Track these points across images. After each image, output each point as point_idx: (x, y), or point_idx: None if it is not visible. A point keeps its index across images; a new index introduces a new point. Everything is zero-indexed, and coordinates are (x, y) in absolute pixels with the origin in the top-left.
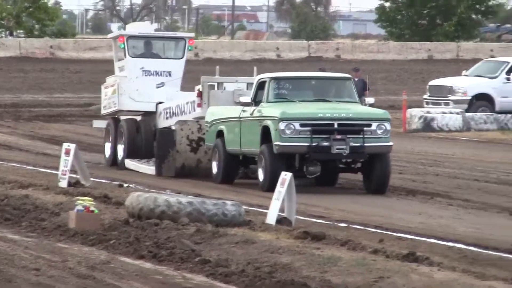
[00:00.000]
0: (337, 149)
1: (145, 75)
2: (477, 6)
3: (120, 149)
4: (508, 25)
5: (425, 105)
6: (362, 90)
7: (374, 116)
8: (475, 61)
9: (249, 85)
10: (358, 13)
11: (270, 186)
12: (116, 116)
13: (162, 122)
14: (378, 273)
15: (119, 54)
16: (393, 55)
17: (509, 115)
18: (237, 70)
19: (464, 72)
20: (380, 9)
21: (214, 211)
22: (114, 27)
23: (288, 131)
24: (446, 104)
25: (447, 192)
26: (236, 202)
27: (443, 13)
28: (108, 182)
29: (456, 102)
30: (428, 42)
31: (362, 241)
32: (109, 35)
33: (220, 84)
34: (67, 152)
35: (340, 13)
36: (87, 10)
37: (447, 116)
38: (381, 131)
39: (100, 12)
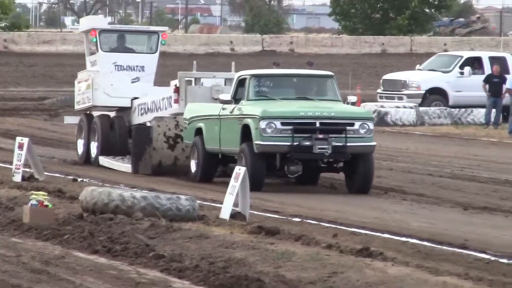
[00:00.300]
0: (319, 148)
1: (118, 70)
2: (430, 0)
3: (94, 146)
4: (461, 19)
5: (379, 100)
6: None
7: (356, 115)
8: (428, 55)
9: (227, 80)
10: (312, 6)
11: (251, 186)
12: (89, 112)
13: (137, 119)
14: (332, 268)
15: (91, 48)
16: (346, 49)
17: (463, 109)
18: (191, 64)
19: (417, 66)
20: (335, 3)
21: (168, 206)
22: (68, 20)
23: (269, 130)
24: (400, 98)
25: (401, 186)
26: (190, 197)
27: (396, 7)
28: (62, 176)
29: (409, 96)
30: (381, 36)
31: (316, 236)
32: (80, 29)
33: (197, 80)
34: (21, 146)
35: (294, 7)
36: (40, 4)
37: (401, 111)
38: (364, 130)
39: (53, 5)
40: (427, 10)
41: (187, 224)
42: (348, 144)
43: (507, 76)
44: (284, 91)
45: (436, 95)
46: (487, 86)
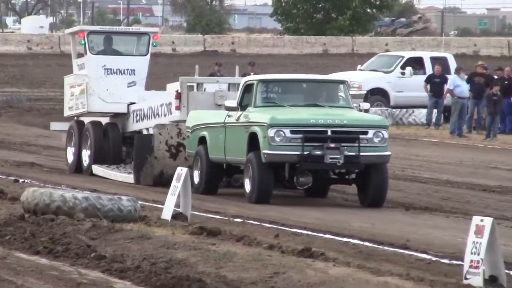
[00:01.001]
0: (331, 158)
1: (108, 74)
2: (372, 0)
3: (86, 154)
4: (403, 19)
5: None
6: None
7: (370, 123)
8: (370, 55)
9: (230, 86)
10: (253, 7)
11: (258, 197)
12: (77, 119)
13: (132, 125)
14: (273, 269)
15: (78, 50)
16: (288, 49)
17: (404, 109)
18: None
19: (359, 67)
20: (276, 3)
21: (110, 207)
22: (10, 20)
23: (277, 139)
24: None
25: (343, 187)
26: (132, 197)
27: (338, 7)
28: (4, 177)
29: (351, 96)
30: (323, 36)
31: (257, 237)
32: (67, 30)
33: (200, 85)
34: None
35: (235, 7)
36: None
37: None
38: (378, 139)
39: None
40: (368, 10)
41: (128, 224)
42: (361, 153)
43: (448, 76)
44: (294, 98)
45: (377, 95)
46: (428, 87)
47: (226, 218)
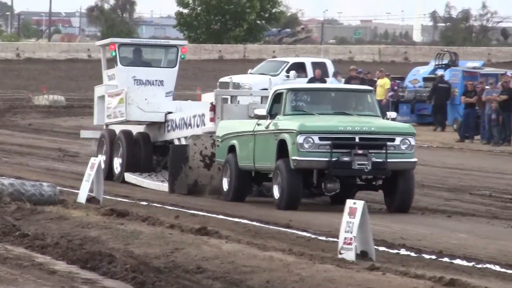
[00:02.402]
0: (359, 164)
1: (137, 84)
2: (262, 13)
3: (117, 162)
4: (288, 30)
5: None
6: None
7: (398, 130)
8: (259, 61)
9: (263, 98)
10: (159, 18)
11: (287, 204)
12: (108, 127)
13: (163, 135)
14: (174, 245)
15: (109, 62)
16: (188, 56)
17: None
18: (55, 68)
19: (249, 71)
20: (179, 15)
21: (33, 192)
22: None
23: (306, 145)
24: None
25: None
26: (52, 184)
27: (234, 19)
28: None
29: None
30: (219, 44)
31: (160, 217)
32: (98, 42)
33: (233, 98)
34: None
35: (143, 19)
36: None
37: None
38: (405, 146)
39: None
40: (258, 22)
41: (49, 207)
42: (388, 160)
43: (327, 79)
44: (322, 106)
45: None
46: None
47: (134, 201)
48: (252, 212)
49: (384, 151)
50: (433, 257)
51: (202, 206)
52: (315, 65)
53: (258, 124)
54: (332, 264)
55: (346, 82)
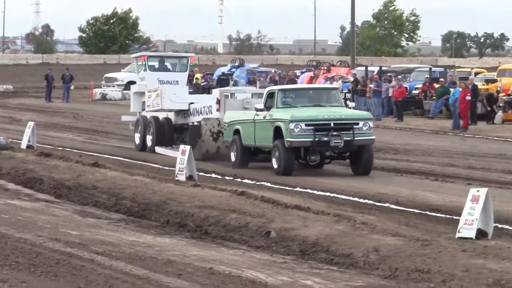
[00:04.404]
0: (335, 142)
1: (160, 84)
2: (129, 36)
3: (149, 138)
4: (144, 46)
5: (103, 87)
6: (70, 79)
7: (360, 117)
8: (128, 64)
9: (253, 95)
10: (68, 39)
11: (284, 171)
12: (141, 114)
13: (181, 120)
14: (79, 173)
15: (140, 68)
16: (85, 62)
17: None
18: (5, 69)
19: (122, 70)
20: (80, 38)
21: None
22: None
23: (296, 130)
24: (113, 86)
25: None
26: (5, 137)
27: (112, 40)
28: None
29: (118, 85)
30: (104, 55)
31: (70, 156)
32: (133, 55)
33: (232, 94)
34: None
35: (59, 40)
36: None
37: (114, 93)
38: (366, 127)
39: None
40: (127, 42)
41: (3, 151)
42: (355, 138)
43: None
44: (303, 100)
45: (131, 84)
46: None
47: (54, 147)
48: (125, 153)
49: (351, 132)
50: (231, 178)
51: (96, 150)
52: None
53: (257, 115)
54: (172, 183)
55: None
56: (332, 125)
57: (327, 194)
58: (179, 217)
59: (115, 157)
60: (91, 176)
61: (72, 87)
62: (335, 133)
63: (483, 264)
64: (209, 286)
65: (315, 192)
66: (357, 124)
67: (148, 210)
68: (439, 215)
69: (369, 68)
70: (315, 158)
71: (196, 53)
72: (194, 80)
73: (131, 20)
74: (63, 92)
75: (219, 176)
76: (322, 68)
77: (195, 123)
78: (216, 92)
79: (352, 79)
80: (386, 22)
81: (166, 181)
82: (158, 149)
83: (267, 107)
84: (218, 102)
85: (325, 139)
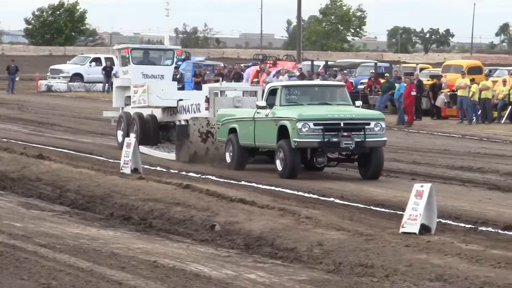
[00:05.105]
0: (345, 144)
1: (144, 78)
2: (75, 28)
3: (132, 137)
4: (90, 38)
5: (48, 78)
6: (15, 71)
7: (372, 116)
8: (74, 56)
9: (244, 92)
10: (14, 30)
11: (289, 174)
12: (124, 110)
13: (166, 117)
14: (24, 164)
15: (123, 61)
16: (31, 53)
17: (90, 84)
18: None
19: (68, 62)
20: (26, 30)
21: None
22: None
23: (304, 130)
24: (59, 78)
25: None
26: None
27: (58, 32)
28: None
29: (64, 77)
30: (49, 46)
31: (14, 148)
32: (115, 47)
33: (222, 92)
34: None
35: (5, 31)
36: None
37: (60, 84)
38: (378, 128)
39: None
40: (73, 34)
41: None
42: (367, 139)
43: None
44: (308, 98)
45: (77, 76)
46: (104, 73)
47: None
48: (70, 146)
49: (362, 133)
50: (176, 171)
51: (41, 142)
52: (106, 59)
53: (258, 112)
54: (117, 176)
55: None
56: (342, 125)
57: (272, 188)
58: (124, 210)
59: (60, 149)
60: (36, 168)
61: (17, 79)
62: (345, 133)
63: (426, 259)
64: (153, 279)
65: (260, 186)
66: (369, 124)
67: (92, 203)
68: (383, 210)
69: (315, 63)
70: (322, 160)
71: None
72: None
73: (78, 12)
74: (8, 83)
75: (164, 169)
76: (268, 62)
77: (182, 122)
78: (205, 89)
79: (298, 73)
80: (333, 17)
81: (111, 173)
82: (142, 148)
83: (269, 105)
84: (207, 100)
85: (335, 140)
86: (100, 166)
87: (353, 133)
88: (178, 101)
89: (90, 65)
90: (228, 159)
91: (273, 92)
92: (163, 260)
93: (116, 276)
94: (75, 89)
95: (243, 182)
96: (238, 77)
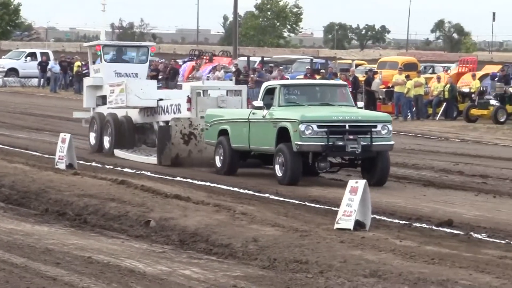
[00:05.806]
0: (351, 147)
1: (118, 77)
2: (10, 23)
3: (106, 139)
4: (26, 32)
5: None
6: None
7: (378, 119)
8: (9, 51)
9: (228, 92)
10: None
11: (290, 180)
12: (97, 111)
13: (143, 118)
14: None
15: (94, 59)
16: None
17: (26, 79)
18: None
19: (3, 57)
20: None
21: None
22: None
23: (307, 132)
24: None
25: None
26: None
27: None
28: None
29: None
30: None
31: None
32: (86, 44)
33: (205, 91)
34: None
35: None
36: None
37: None
38: (385, 131)
39: None
40: (8, 28)
41: None
42: (373, 143)
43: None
44: (309, 98)
45: (12, 71)
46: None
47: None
48: (5, 140)
49: (369, 136)
50: (111, 167)
51: (11, 143)
52: (42, 53)
53: (254, 113)
54: (51, 171)
55: None
56: (347, 127)
57: (208, 184)
58: (58, 206)
59: (15, 149)
60: (8, 170)
61: None
62: (351, 136)
63: (360, 255)
64: (87, 275)
65: (195, 182)
66: (375, 127)
67: (27, 198)
68: (318, 206)
69: (251, 59)
70: (324, 165)
71: (79, 41)
72: (75, 68)
73: (12, 6)
74: None
75: (99, 165)
76: (205, 57)
77: (161, 123)
78: (186, 88)
79: (234, 69)
80: (269, 13)
81: (45, 169)
82: (117, 152)
83: (265, 105)
84: (189, 100)
85: (340, 143)
86: (35, 162)
87: (359, 136)
88: (158, 101)
89: (26, 60)
90: (218, 163)
91: (270, 91)
92: (97, 256)
93: (50, 272)
94: (10, 84)
95: (178, 178)
96: (174, 73)
